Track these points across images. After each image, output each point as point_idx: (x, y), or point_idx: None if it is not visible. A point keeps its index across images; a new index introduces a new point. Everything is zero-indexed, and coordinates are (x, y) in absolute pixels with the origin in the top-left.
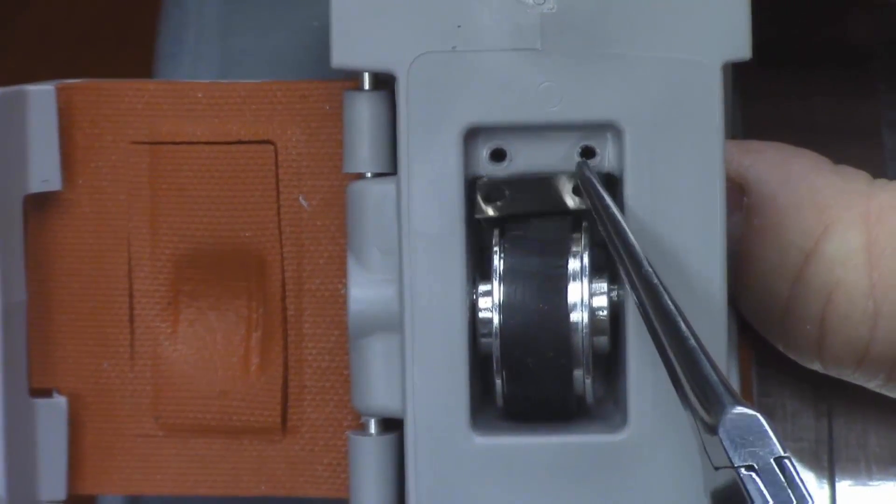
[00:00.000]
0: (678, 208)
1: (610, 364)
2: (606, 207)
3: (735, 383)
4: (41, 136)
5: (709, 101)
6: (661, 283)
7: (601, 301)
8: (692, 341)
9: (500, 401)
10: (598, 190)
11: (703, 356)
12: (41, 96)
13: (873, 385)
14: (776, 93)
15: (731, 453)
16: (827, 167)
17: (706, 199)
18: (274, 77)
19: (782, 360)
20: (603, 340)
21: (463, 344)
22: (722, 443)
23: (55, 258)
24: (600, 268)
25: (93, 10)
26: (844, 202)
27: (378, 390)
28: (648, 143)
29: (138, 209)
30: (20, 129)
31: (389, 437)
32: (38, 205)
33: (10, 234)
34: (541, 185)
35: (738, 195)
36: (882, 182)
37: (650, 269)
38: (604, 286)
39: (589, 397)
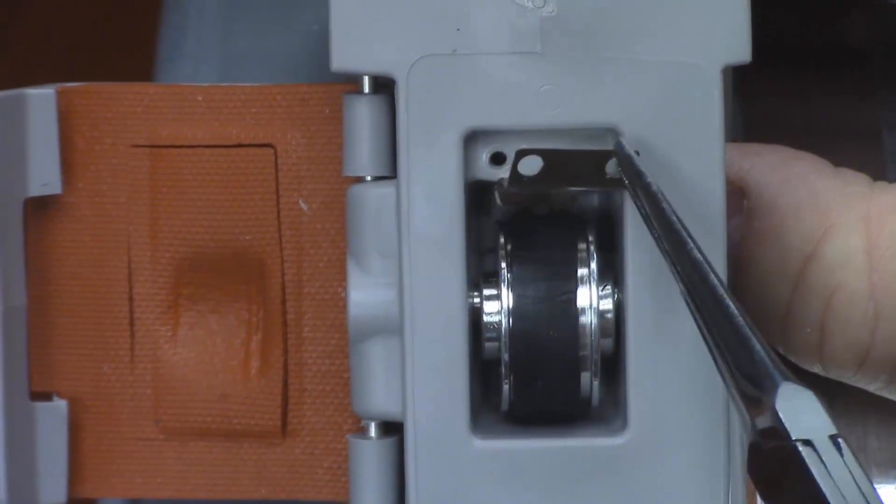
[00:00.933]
0: (678, 211)
1: (611, 367)
2: (647, 185)
3: None
4: (41, 140)
5: (708, 105)
6: (706, 259)
7: (607, 304)
8: (740, 318)
9: (505, 404)
10: (636, 167)
11: (752, 332)
12: (41, 100)
13: (874, 388)
14: (775, 95)
15: (788, 428)
16: (827, 170)
17: (706, 203)
18: (273, 81)
19: (782, 362)
20: (608, 343)
21: (463, 347)
22: (778, 416)
23: (55, 261)
24: (605, 270)
25: (91, 13)
26: (844, 205)
27: (378, 394)
28: (648, 147)
29: (138, 212)
30: (20, 132)
31: (389, 441)
32: (39, 208)
33: (10, 237)
34: (578, 160)
35: (738, 198)
36: (882, 184)
37: (694, 246)
38: (609, 288)
39: (594, 400)
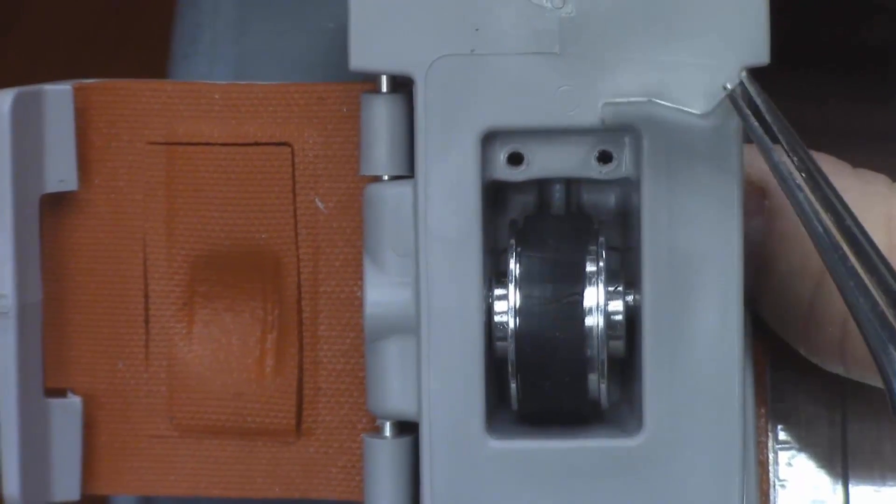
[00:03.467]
0: (696, 212)
1: (626, 368)
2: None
3: (749, 387)
4: (58, 136)
5: (727, 106)
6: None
7: (616, 305)
8: None
9: (514, 404)
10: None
11: None
12: (58, 96)
13: None
14: (791, 96)
15: None
16: (846, 170)
17: (724, 204)
18: (288, 78)
19: (797, 364)
20: (618, 345)
21: (479, 347)
22: None
23: (71, 258)
24: (616, 271)
25: (105, 9)
26: (865, 204)
27: (393, 393)
28: (666, 148)
29: (154, 210)
30: (37, 128)
31: (404, 440)
32: (55, 205)
33: (26, 233)
34: None
35: (759, 198)
36: None
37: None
38: (619, 289)
39: (603, 402)
